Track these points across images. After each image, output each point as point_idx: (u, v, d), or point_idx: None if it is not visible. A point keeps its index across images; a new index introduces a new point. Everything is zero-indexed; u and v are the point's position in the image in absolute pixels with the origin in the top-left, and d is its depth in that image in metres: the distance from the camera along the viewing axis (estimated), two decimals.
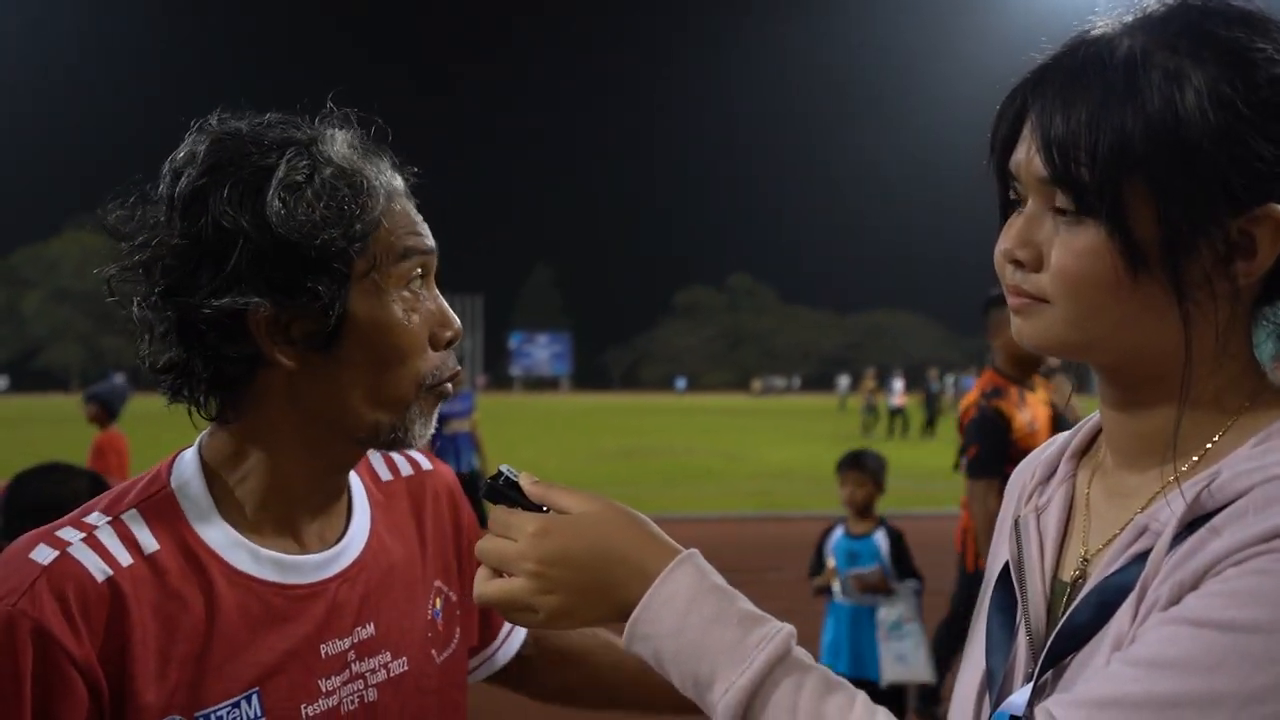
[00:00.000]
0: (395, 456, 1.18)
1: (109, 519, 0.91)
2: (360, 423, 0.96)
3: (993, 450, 3.72)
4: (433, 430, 1.00)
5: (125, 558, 0.89)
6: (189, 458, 0.98)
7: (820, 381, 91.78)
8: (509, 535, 0.82)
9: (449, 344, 1.00)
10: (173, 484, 0.96)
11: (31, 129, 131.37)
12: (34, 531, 0.90)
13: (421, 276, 0.98)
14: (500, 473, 0.86)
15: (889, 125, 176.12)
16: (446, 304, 1.00)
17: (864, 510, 4.18)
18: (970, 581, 3.89)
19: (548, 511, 0.83)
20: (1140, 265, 0.72)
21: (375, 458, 1.16)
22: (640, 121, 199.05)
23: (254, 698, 0.92)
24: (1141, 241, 0.72)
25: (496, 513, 0.84)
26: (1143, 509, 0.79)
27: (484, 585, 0.83)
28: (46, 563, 0.86)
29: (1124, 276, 0.73)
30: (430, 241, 0.99)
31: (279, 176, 0.89)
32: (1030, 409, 3.82)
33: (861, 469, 4.18)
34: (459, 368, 1.02)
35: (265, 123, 0.95)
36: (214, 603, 0.92)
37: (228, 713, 0.90)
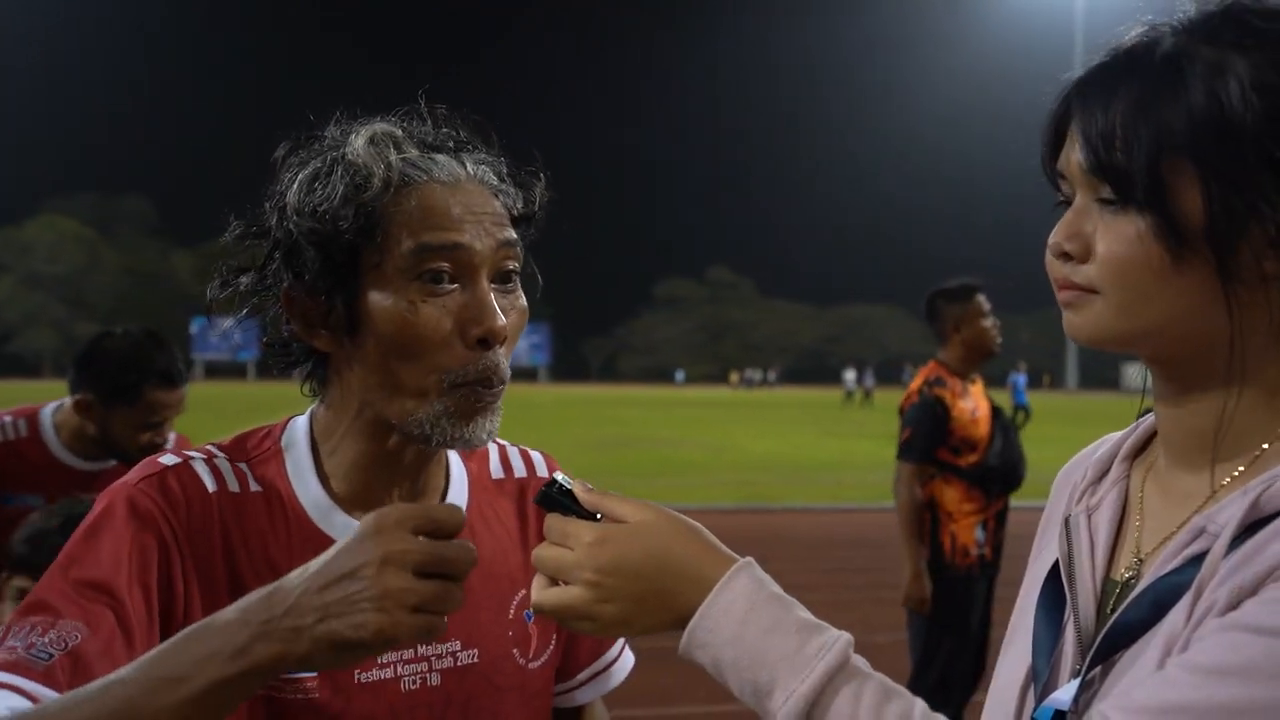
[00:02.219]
0: (513, 456, 1.20)
1: (227, 456, 1.04)
2: (389, 410, 0.99)
3: (926, 436, 3.87)
4: (490, 435, 1.00)
5: (234, 484, 1.01)
6: (301, 423, 1.08)
7: (799, 375, 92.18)
8: (566, 544, 0.82)
9: (481, 341, 0.97)
10: (283, 442, 1.06)
11: (3, 112, 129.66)
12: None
13: (453, 270, 0.97)
14: (554, 480, 0.86)
15: (867, 118, 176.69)
16: (491, 301, 0.97)
17: None
18: (937, 569, 3.93)
19: (601, 519, 0.83)
20: (1185, 247, 0.73)
21: (492, 454, 1.19)
22: (620, 111, 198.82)
23: None
24: (1185, 225, 0.73)
25: (552, 520, 0.84)
26: (1199, 510, 0.79)
27: (541, 594, 0.83)
28: (170, 465, 1.00)
29: (1168, 260, 0.74)
30: (454, 235, 0.96)
31: (302, 175, 0.99)
32: (973, 399, 3.95)
33: None
34: (497, 366, 0.99)
35: (342, 127, 1.03)
36: (291, 551, 1.00)
37: None
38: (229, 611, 0.79)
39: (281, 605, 0.77)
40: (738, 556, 0.82)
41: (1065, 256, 0.80)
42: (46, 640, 0.87)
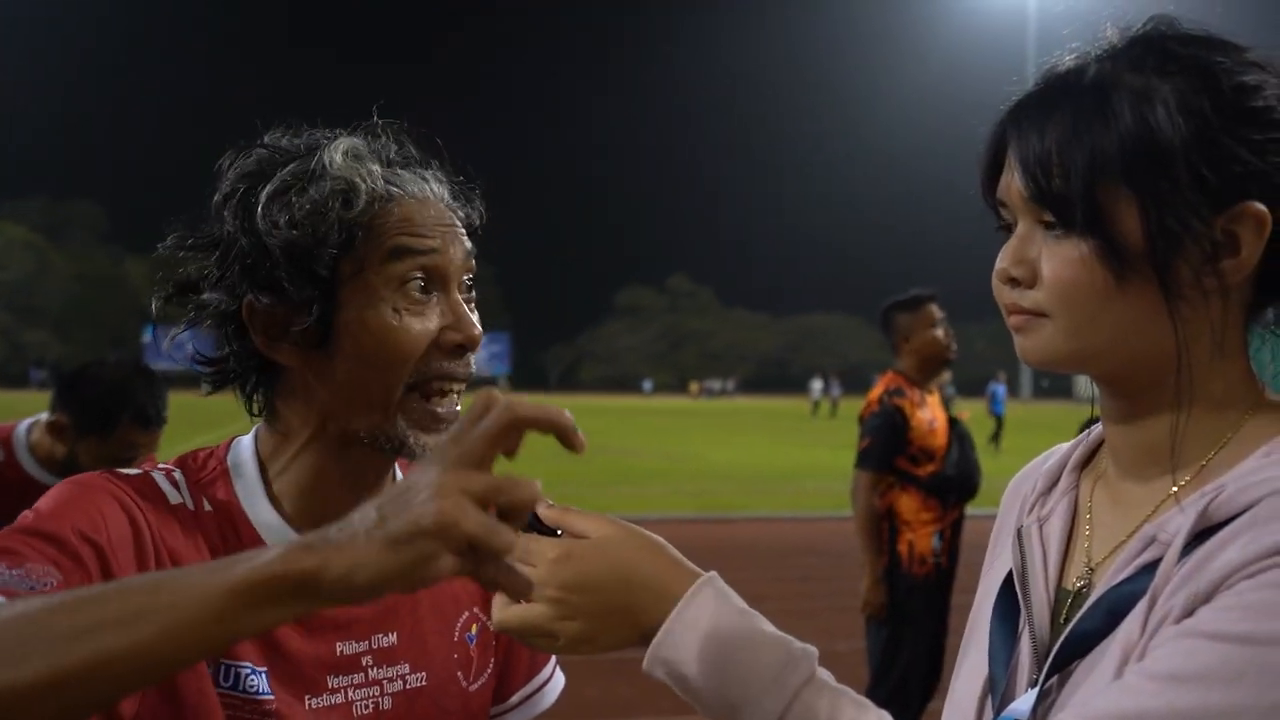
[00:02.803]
0: None
1: (181, 474, 1.01)
2: (358, 423, 0.98)
3: (885, 445, 3.91)
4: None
5: (190, 503, 0.99)
6: (246, 443, 1.05)
7: (758, 384, 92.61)
8: (528, 561, 0.81)
9: (458, 349, 0.99)
10: (229, 462, 1.03)
11: None
12: None
13: (425, 280, 0.98)
14: None
15: (826, 128, 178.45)
16: (465, 310, 0.99)
17: None
18: (894, 577, 3.99)
19: (562, 535, 0.82)
20: (1127, 268, 0.76)
21: None
22: (581, 120, 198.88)
23: (263, 675, 0.95)
24: (1125, 246, 0.76)
25: None
26: (1148, 519, 0.81)
27: (503, 612, 0.82)
28: (133, 474, 0.98)
29: (1112, 281, 0.76)
30: (434, 243, 0.98)
31: (271, 187, 0.97)
32: (930, 409, 4.01)
33: None
34: (466, 371, 1.01)
35: (303, 137, 1.01)
36: None
37: (248, 674, 0.95)
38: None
39: (331, 529, 0.67)
40: (701, 571, 0.82)
41: (1013, 282, 0.82)
42: (16, 574, 0.81)
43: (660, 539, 0.84)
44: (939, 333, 4.01)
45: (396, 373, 0.96)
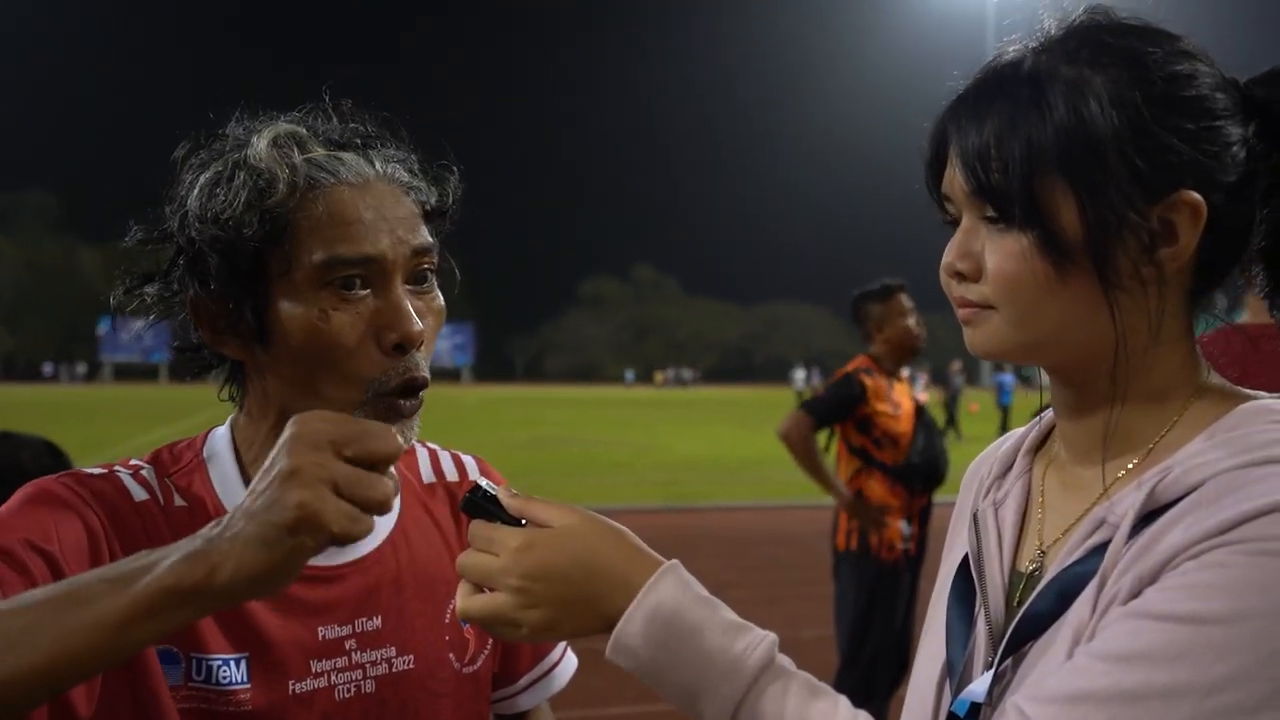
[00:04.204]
0: (444, 459, 1.18)
1: (151, 469, 1.00)
2: None
3: (834, 405, 4.04)
4: (410, 439, 0.99)
5: (161, 498, 0.98)
6: (222, 433, 1.05)
7: (722, 373, 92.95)
8: (490, 550, 0.81)
9: (398, 347, 0.95)
10: (205, 454, 1.03)
11: None
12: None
13: (362, 275, 0.94)
14: (478, 486, 0.85)
15: (790, 118, 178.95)
16: (405, 306, 0.95)
17: None
18: (841, 558, 4.09)
19: (526, 524, 0.83)
20: (1066, 260, 0.77)
21: (422, 457, 1.16)
22: (544, 110, 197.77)
23: (242, 663, 0.95)
24: (1063, 238, 0.77)
25: (476, 527, 0.83)
26: (1098, 501, 0.82)
27: (467, 601, 0.82)
28: (95, 473, 0.97)
29: (1053, 273, 0.77)
30: (366, 248, 0.93)
31: (203, 178, 0.96)
32: (896, 394, 4.11)
33: None
34: (417, 374, 0.97)
35: (244, 126, 0.99)
36: None
37: (219, 666, 0.94)
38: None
39: (214, 528, 0.71)
40: (664, 559, 0.83)
41: (959, 276, 0.83)
42: None
43: (623, 528, 0.85)
44: (910, 322, 4.09)
45: (337, 370, 0.94)
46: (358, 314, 0.94)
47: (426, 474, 1.16)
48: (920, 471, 4.03)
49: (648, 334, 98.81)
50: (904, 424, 4.04)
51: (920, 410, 4.15)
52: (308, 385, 0.96)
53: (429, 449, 1.18)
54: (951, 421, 24.45)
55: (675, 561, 0.82)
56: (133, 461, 1.01)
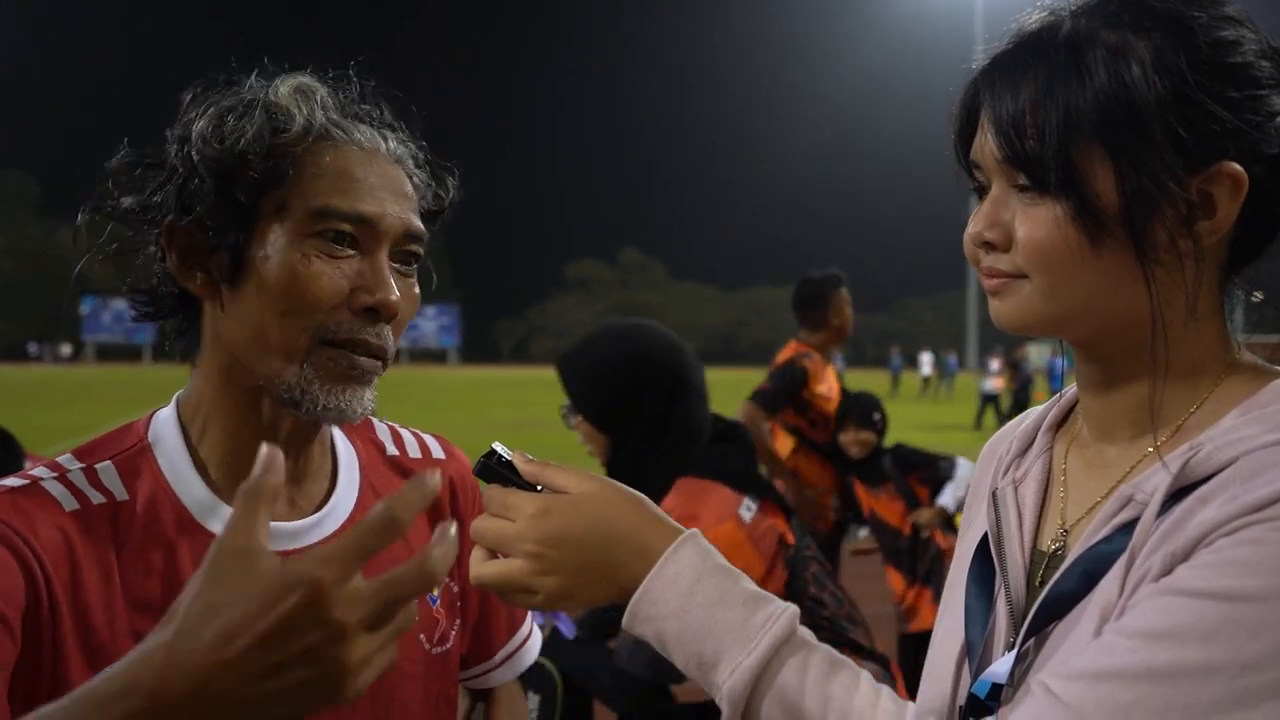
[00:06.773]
0: (405, 436, 1.16)
1: (82, 465, 0.93)
2: (258, 368, 0.93)
3: (780, 393, 4.25)
4: (365, 409, 0.95)
5: (97, 497, 0.90)
6: (165, 413, 0.99)
7: (707, 357, 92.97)
8: (507, 515, 0.79)
9: (369, 311, 0.93)
10: (149, 437, 0.96)
11: None
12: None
13: (353, 234, 0.93)
14: (493, 451, 0.83)
15: (774, 103, 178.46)
16: (387, 274, 0.94)
17: None
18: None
19: (542, 490, 0.81)
20: (1101, 230, 0.74)
21: (384, 435, 1.14)
22: (532, 94, 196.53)
23: None
24: (1099, 207, 0.74)
25: (492, 492, 0.81)
26: (1124, 479, 0.80)
27: (481, 567, 0.80)
28: (15, 486, 0.88)
29: (1087, 242, 0.75)
30: (366, 207, 0.93)
31: (214, 109, 0.93)
32: (828, 380, 4.41)
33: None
34: (380, 336, 0.94)
35: (262, 81, 0.97)
36: (177, 558, 0.91)
37: None
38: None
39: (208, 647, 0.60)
40: (683, 528, 0.81)
41: (988, 246, 0.80)
42: None
43: (641, 495, 0.83)
44: (849, 311, 4.40)
45: (298, 319, 0.91)
46: (339, 269, 0.92)
47: (390, 448, 1.13)
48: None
49: (634, 317, 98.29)
50: (834, 404, 4.29)
51: (844, 391, 4.40)
52: (262, 331, 0.92)
53: (389, 427, 1.16)
54: (1022, 409, 23.47)
55: (695, 530, 0.81)
56: (59, 460, 0.93)
